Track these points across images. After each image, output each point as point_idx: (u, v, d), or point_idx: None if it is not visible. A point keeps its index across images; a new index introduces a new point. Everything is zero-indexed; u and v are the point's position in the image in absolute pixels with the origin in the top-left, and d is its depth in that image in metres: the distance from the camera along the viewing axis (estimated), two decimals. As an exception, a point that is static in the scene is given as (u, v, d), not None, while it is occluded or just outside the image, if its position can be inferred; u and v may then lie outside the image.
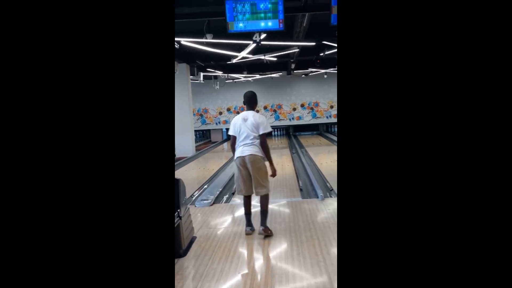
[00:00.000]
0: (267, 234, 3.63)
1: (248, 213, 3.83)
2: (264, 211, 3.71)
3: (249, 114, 3.75)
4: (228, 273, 2.91)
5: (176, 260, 3.18)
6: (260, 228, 3.67)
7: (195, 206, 5.03)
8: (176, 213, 3.18)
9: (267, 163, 3.75)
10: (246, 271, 2.97)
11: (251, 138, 3.66)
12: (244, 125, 3.70)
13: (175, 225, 3.12)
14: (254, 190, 3.71)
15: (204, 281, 2.79)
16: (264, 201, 3.71)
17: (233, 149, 3.81)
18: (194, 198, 5.63)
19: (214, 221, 4.35)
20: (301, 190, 5.81)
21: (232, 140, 3.83)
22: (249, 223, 3.81)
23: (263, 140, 3.70)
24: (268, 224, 3.74)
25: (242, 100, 3.95)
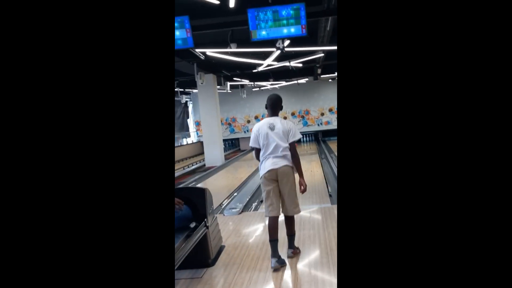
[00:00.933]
0: (296, 253, 3.31)
1: (275, 239, 3.15)
2: (292, 236, 3.29)
3: (276, 121, 3.22)
4: (257, 281, 2.89)
5: (205, 269, 3.19)
6: (288, 251, 3.28)
7: (224, 215, 5.04)
8: (203, 222, 3.19)
9: (296, 176, 3.27)
10: (274, 279, 2.93)
11: (282, 148, 3.14)
12: (272, 133, 3.16)
13: (202, 235, 3.13)
14: (287, 209, 3.18)
15: (232, 290, 2.78)
16: (293, 223, 3.27)
17: (260, 160, 3.28)
18: (223, 206, 5.64)
19: (243, 230, 4.35)
20: (330, 196, 5.72)
21: (256, 153, 3.28)
22: (275, 253, 3.12)
23: (293, 149, 3.19)
24: (296, 238, 3.42)
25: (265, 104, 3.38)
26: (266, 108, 3.34)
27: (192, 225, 3.10)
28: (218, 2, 4.78)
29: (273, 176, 3.14)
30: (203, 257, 3.24)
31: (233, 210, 5.12)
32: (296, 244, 3.41)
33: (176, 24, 5.36)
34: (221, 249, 3.62)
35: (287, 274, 3.03)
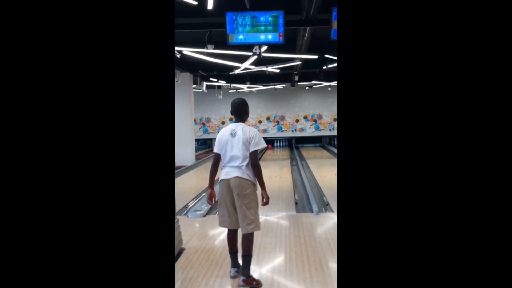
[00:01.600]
0: (251, 286, 2.82)
1: (233, 251, 3.04)
2: (246, 256, 2.88)
3: (238, 127, 2.95)
4: (213, 287, 2.88)
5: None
6: (239, 280, 2.85)
7: (188, 216, 5.00)
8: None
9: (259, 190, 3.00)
10: (231, 286, 2.93)
11: (239, 157, 2.89)
12: (232, 141, 2.93)
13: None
14: (240, 224, 2.93)
15: (187, 295, 2.76)
16: (248, 242, 2.89)
17: (213, 169, 3.08)
18: (188, 208, 5.60)
19: (206, 233, 4.32)
20: (296, 203, 5.77)
21: (214, 159, 3.06)
22: (234, 263, 3.03)
23: (254, 158, 2.91)
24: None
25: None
26: (231, 113, 3.09)
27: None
28: (196, 3, 4.75)
29: (225, 186, 2.94)
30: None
31: (198, 212, 5.09)
32: (256, 252, 3.30)
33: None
34: (180, 251, 3.59)
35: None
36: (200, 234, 4.25)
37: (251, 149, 2.90)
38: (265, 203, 3.00)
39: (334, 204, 5.43)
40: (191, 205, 5.82)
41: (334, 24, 5.26)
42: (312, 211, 5.03)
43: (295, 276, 3.01)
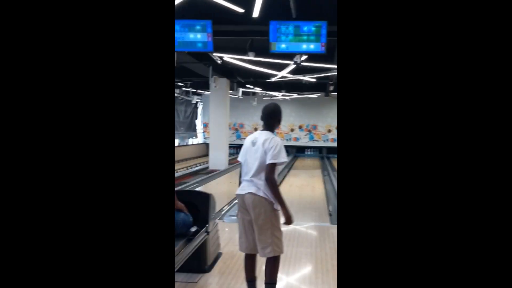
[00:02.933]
0: None
1: (250, 279, 2.69)
2: (268, 285, 2.58)
3: (261, 136, 2.62)
4: (250, 294, 2.90)
5: (200, 275, 3.20)
6: None
7: (223, 221, 5.05)
8: (205, 228, 3.21)
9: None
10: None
11: (255, 170, 2.55)
12: (251, 150, 2.62)
13: (202, 240, 3.15)
14: (257, 247, 2.60)
15: (226, 299, 2.79)
16: (271, 268, 2.58)
17: (240, 181, 2.72)
18: (223, 212, 5.65)
19: (241, 239, 4.35)
20: (330, 215, 5.72)
21: (240, 168, 2.75)
22: None
23: (268, 172, 2.50)
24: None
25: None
26: (261, 119, 2.73)
27: (193, 229, 3.12)
28: (242, 11, 4.83)
29: (240, 202, 2.64)
30: (200, 263, 3.26)
31: (233, 217, 5.13)
32: (284, 260, 3.16)
33: (198, 27, 5.42)
34: (218, 256, 3.63)
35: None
36: (236, 240, 4.28)
37: (268, 161, 2.51)
38: (287, 222, 2.59)
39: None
40: (225, 210, 5.87)
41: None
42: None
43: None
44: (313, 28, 5.36)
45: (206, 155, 13.55)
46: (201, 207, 3.29)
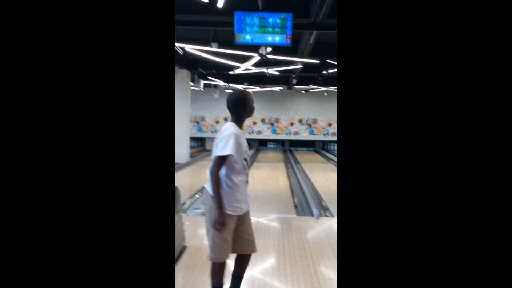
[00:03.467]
0: None
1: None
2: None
3: (224, 127, 2.42)
4: (218, 287, 2.84)
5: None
6: None
7: (187, 214, 4.96)
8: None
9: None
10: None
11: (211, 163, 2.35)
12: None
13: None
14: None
15: (193, 294, 2.72)
16: (212, 273, 2.47)
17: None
18: (185, 206, 5.55)
19: (206, 232, 4.28)
20: (295, 206, 5.76)
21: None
22: None
23: (213, 165, 2.29)
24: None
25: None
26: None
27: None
28: (207, 1, 4.73)
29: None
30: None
31: (197, 210, 5.05)
32: (259, 254, 3.26)
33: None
34: (183, 250, 3.54)
35: (248, 282, 3.01)
36: (202, 233, 4.21)
37: (214, 154, 2.33)
38: (214, 225, 2.29)
39: (333, 209, 5.44)
40: (188, 203, 5.77)
41: (342, 30, 5.28)
42: (312, 215, 5.02)
43: (302, 281, 3.00)
44: (278, 20, 5.33)
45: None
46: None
